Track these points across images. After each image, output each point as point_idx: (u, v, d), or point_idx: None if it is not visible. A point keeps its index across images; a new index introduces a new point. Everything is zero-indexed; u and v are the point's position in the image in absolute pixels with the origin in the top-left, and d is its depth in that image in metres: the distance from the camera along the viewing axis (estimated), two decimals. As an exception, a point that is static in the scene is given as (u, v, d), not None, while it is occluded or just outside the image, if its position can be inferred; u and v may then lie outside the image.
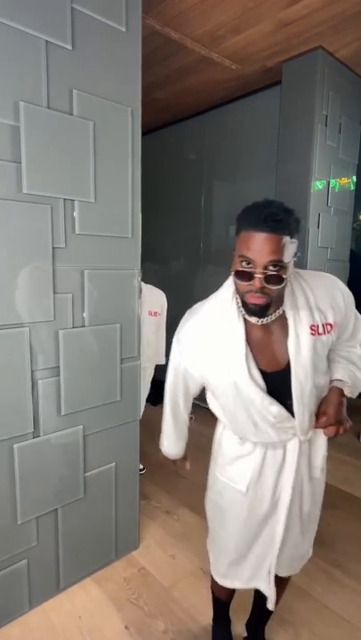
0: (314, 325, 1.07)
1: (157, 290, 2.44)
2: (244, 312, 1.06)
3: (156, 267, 4.07)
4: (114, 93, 1.57)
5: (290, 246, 0.96)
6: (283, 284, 0.98)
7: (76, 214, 1.53)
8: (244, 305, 1.03)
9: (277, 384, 1.09)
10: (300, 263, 2.71)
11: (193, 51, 2.53)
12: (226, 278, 1.14)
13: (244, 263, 0.97)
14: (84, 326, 1.62)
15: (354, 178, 3.00)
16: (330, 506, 2.39)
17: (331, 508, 2.37)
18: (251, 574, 1.29)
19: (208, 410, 1.24)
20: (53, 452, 1.60)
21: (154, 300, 2.37)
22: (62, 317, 1.55)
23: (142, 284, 2.21)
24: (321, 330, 1.08)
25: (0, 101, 1.30)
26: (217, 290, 1.17)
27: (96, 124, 1.53)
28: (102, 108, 1.54)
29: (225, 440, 1.26)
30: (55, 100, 1.42)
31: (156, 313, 2.36)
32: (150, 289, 2.38)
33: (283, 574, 1.30)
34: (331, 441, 1.25)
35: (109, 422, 1.78)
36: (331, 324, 1.10)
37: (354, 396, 1.17)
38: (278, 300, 1.04)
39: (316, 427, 1.14)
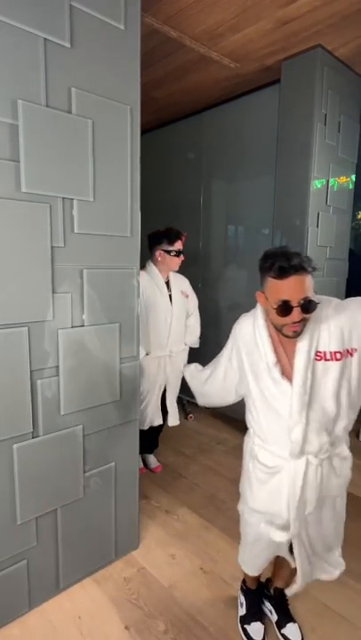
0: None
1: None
2: None
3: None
4: (113, 92, 1.57)
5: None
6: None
7: (74, 213, 1.52)
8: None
9: None
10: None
11: (192, 49, 2.52)
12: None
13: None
14: (83, 326, 1.61)
15: (353, 177, 3.00)
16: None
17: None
18: None
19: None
20: (53, 452, 1.59)
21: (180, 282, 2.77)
22: (61, 317, 1.54)
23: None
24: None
25: (-2, 100, 1.29)
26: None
27: (95, 123, 1.52)
28: (101, 106, 1.54)
29: None
30: (54, 98, 1.41)
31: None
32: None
33: None
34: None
35: (109, 422, 1.77)
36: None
37: None
38: None
39: None
